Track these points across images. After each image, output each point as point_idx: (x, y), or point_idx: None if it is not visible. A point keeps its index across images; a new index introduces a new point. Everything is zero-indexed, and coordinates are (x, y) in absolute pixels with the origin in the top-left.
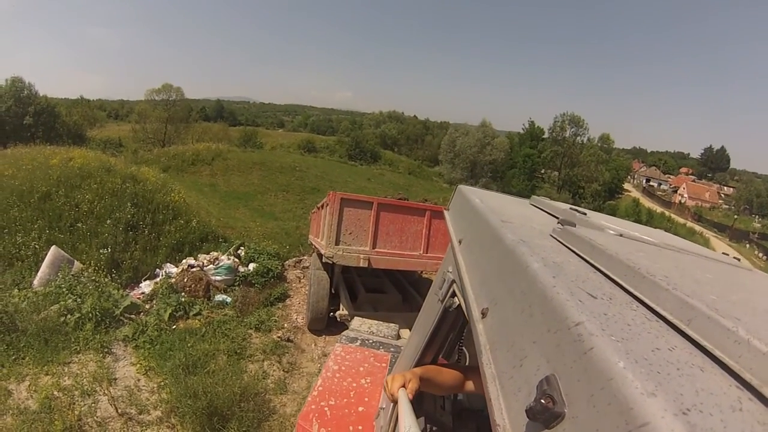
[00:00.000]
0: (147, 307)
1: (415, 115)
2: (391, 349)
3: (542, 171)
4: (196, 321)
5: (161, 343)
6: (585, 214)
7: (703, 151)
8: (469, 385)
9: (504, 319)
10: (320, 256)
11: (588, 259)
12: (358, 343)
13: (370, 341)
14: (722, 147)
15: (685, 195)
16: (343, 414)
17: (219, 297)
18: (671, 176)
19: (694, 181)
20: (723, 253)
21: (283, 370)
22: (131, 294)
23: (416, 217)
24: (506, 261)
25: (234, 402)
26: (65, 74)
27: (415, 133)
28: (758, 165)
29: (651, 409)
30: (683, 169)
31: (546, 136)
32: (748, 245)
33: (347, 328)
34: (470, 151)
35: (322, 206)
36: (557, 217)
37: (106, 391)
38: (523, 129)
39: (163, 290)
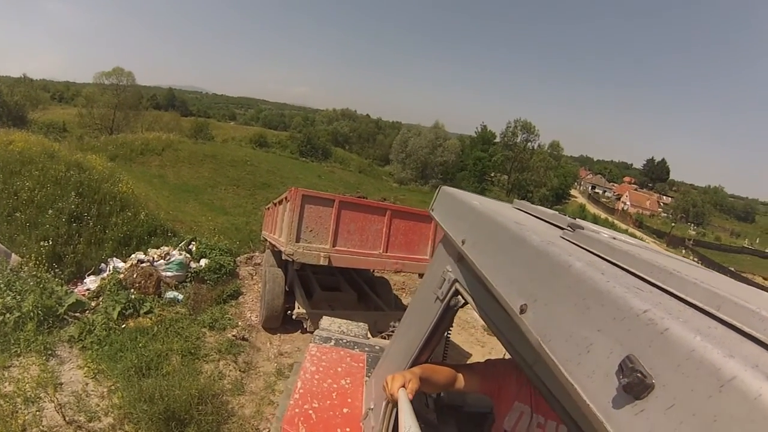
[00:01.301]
0: (93, 304)
1: (368, 114)
2: (366, 349)
3: (492, 174)
4: (147, 319)
5: (110, 344)
6: (574, 218)
7: (645, 162)
8: (461, 383)
9: (552, 314)
10: (275, 252)
11: (610, 258)
12: (332, 343)
13: (344, 341)
14: (663, 159)
15: (628, 202)
16: (328, 416)
17: (170, 294)
18: (615, 184)
19: (636, 189)
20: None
21: (240, 370)
22: (75, 291)
23: (377, 216)
24: (540, 261)
25: (192, 405)
26: (7, 50)
27: (367, 131)
28: (695, 177)
29: (734, 366)
30: (626, 178)
31: (497, 140)
32: (684, 251)
33: (303, 327)
34: (422, 152)
35: (281, 202)
36: (547, 221)
37: (52, 398)
38: (475, 132)
39: (110, 286)
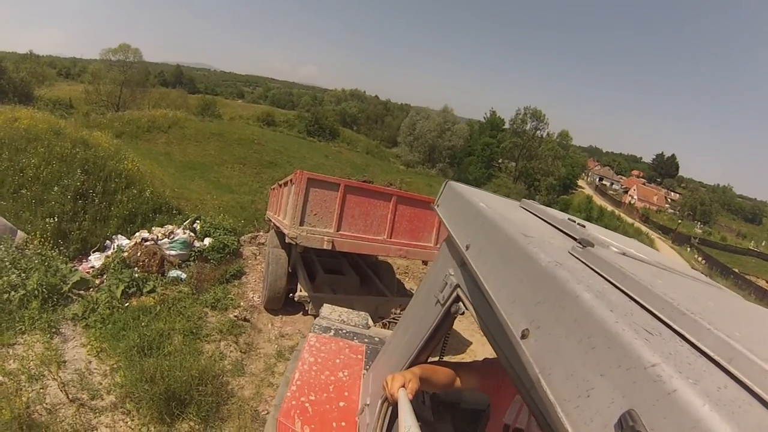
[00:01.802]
0: (97, 282)
1: (376, 95)
2: (365, 340)
3: (500, 161)
4: (150, 298)
5: (113, 323)
6: (584, 226)
7: (654, 157)
8: (460, 382)
9: (554, 346)
10: (278, 234)
11: (621, 287)
12: (331, 333)
13: (344, 331)
14: (673, 155)
15: (635, 196)
16: (324, 410)
17: (174, 273)
18: (623, 177)
19: (644, 183)
20: (693, 268)
21: (241, 351)
22: (80, 268)
23: (382, 201)
24: (546, 284)
25: (192, 385)
26: (14, 26)
27: (376, 113)
28: (704, 175)
29: None
30: (635, 172)
31: (506, 127)
32: (689, 249)
33: (304, 309)
34: (429, 135)
35: (286, 183)
36: (557, 227)
37: (55, 376)
38: (484, 118)
39: (114, 265)
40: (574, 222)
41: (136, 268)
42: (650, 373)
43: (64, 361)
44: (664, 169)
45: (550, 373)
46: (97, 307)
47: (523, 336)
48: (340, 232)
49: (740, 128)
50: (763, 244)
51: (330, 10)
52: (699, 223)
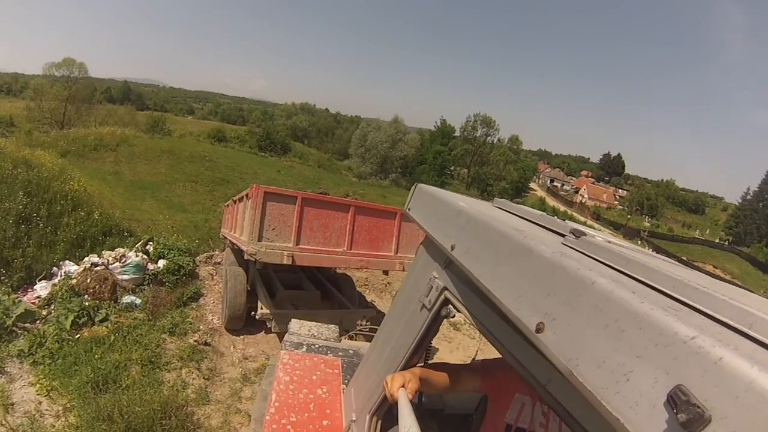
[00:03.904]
0: (44, 313)
1: (326, 108)
2: (340, 353)
3: (452, 168)
4: (103, 328)
5: (63, 357)
6: (565, 220)
7: (602, 157)
8: (459, 383)
9: (577, 335)
10: (235, 251)
11: (626, 271)
12: (304, 349)
13: (316, 346)
14: (619, 154)
15: (586, 196)
16: (308, 430)
17: (127, 298)
18: (573, 178)
19: (593, 183)
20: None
21: (204, 378)
22: (25, 299)
23: (340, 212)
24: (553, 275)
25: (155, 420)
26: None
27: (326, 126)
28: (649, 171)
29: None
30: (584, 172)
31: (457, 134)
32: (639, 242)
33: (267, 327)
34: (381, 147)
35: (241, 199)
36: (543, 226)
37: (3, 421)
38: (434, 126)
39: (62, 293)
40: (555, 216)
41: (86, 296)
42: (691, 346)
43: (12, 404)
44: (611, 168)
45: (578, 364)
46: (45, 341)
47: (538, 330)
48: (299, 246)
49: (678, 126)
50: (707, 232)
51: (278, 23)
52: (647, 216)
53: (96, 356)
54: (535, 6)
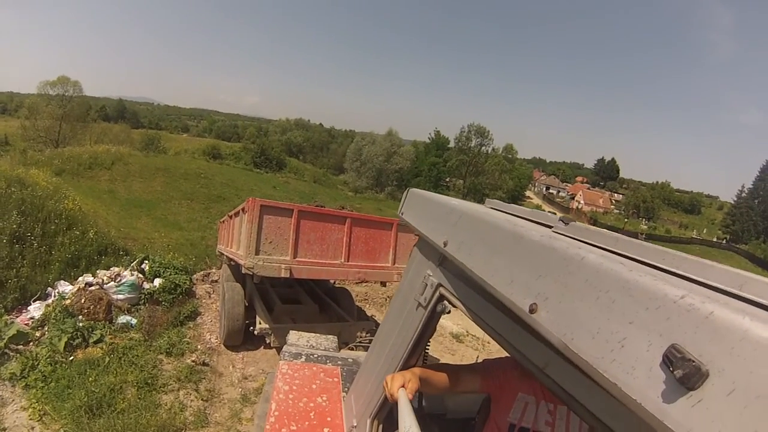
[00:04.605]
0: (37, 335)
1: (321, 123)
2: (339, 362)
3: (447, 179)
4: (98, 349)
5: (57, 380)
6: (556, 214)
7: (596, 162)
8: (460, 383)
9: (569, 311)
10: (232, 266)
11: (616, 249)
12: (302, 359)
13: (315, 355)
14: (613, 158)
15: (582, 201)
16: None
17: (123, 318)
18: (569, 184)
19: (588, 188)
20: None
21: (202, 399)
22: (18, 320)
23: (337, 224)
24: (544, 256)
25: None
26: None
27: (321, 140)
28: (643, 174)
29: None
30: (579, 178)
31: (452, 145)
32: None
33: (266, 343)
34: (377, 160)
35: (236, 214)
36: (532, 220)
37: None
38: (429, 138)
39: (56, 314)
40: (545, 212)
41: (80, 317)
42: (682, 305)
43: (4, 429)
44: (606, 173)
45: (573, 338)
46: (38, 364)
47: (532, 311)
48: (297, 259)
49: (671, 128)
50: (704, 231)
51: (270, 38)
52: (644, 219)
53: (90, 379)
54: (524, 15)
